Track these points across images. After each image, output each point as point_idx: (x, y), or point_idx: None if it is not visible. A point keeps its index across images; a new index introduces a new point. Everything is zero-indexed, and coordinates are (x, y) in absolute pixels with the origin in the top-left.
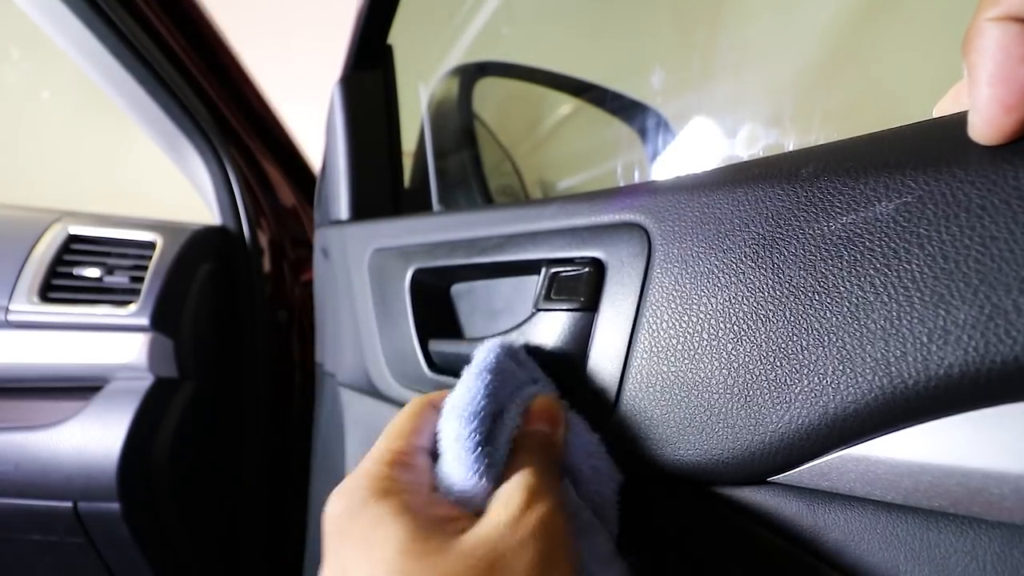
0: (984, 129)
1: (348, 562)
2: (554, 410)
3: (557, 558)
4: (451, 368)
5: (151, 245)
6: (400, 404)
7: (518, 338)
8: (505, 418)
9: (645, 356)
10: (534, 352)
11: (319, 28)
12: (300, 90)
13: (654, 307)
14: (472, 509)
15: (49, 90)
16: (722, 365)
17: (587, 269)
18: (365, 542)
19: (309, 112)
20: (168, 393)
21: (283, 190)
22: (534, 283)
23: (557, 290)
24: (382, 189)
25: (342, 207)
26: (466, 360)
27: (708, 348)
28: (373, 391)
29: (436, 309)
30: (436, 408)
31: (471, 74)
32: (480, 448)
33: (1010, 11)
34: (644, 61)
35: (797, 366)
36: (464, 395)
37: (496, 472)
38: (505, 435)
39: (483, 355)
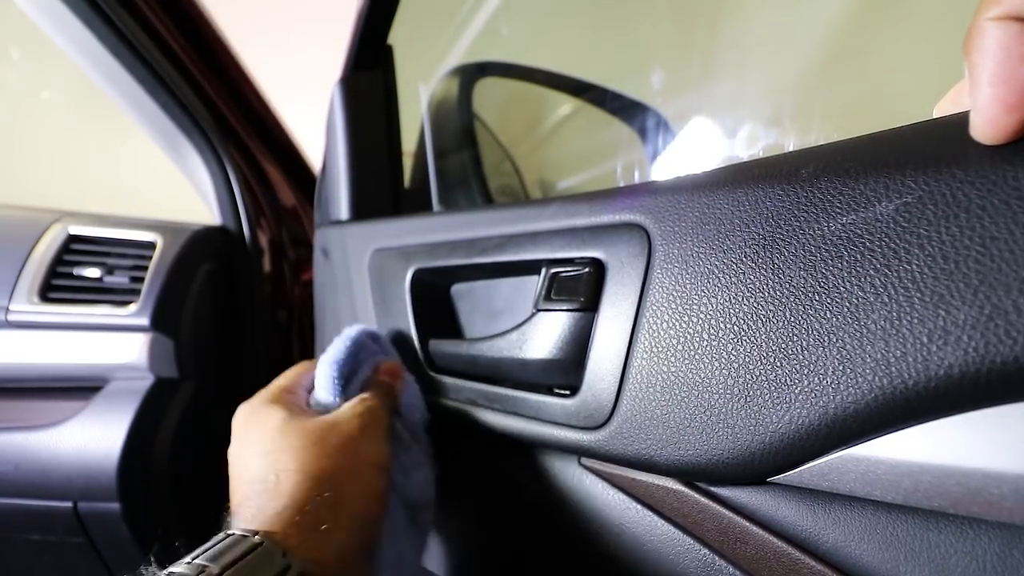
0: (986, 129)
1: (246, 438)
2: (396, 369)
3: (374, 431)
4: (451, 368)
5: (151, 245)
6: None
7: (519, 338)
8: (360, 371)
9: (645, 356)
10: (531, 351)
11: (319, 28)
12: (300, 90)
13: (654, 307)
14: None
15: (49, 90)
16: (722, 365)
17: (587, 269)
18: (258, 425)
19: (309, 112)
20: (168, 393)
21: (283, 190)
22: (534, 283)
23: (557, 290)
24: (382, 189)
25: (342, 207)
26: (466, 359)
27: (708, 348)
28: None
29: (436, 309)
30: (314, 366)
31: (471, 74)
32: (339, 382)
33: (1011, 10)
34: (644, 61)
35: (797, 366)
36: (333, 352)
37: (348, 397)
38: (358, 380)
39: (350, 332)
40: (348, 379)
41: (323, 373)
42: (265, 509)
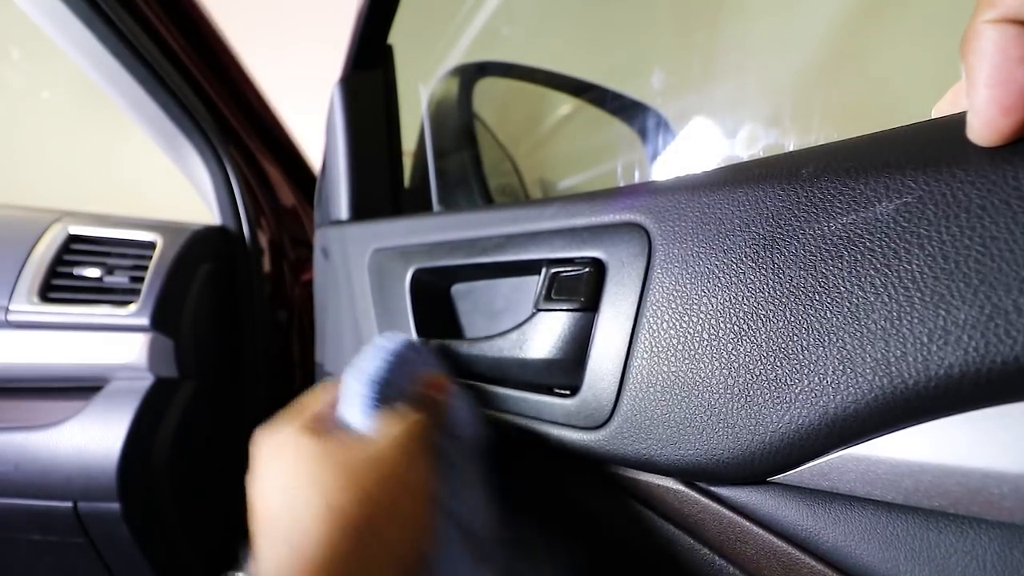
0: (983, 131)
1: (276, 471)
2: (442, 382)
3: (417, 458)
4: (451, 368)
5: (151, 245)
6: None
7: (519, 338)
8: (400, 387)
9: (645, 356)
10: (530, 352)
11: (319, 28)
12: (300, 90)
13: (654, 307)
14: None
15: (49, 90)
16: (722, 365)
17: (587, 269)
18: (287, 459)
19: (309, 112)
20: (168, 393)
21: (283, 190)
22: (534, 283)
23: (557, 290)
24: (382, 189)
25: (342, 207)
26: (466, 359)
27: (708, 348)
28: None
29: (436, 309)
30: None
31: (471, 74)
32: (375, 401)
33: (1007, 13)
34: (644, 61)
35: (797, 366)
36: (368, 365)
37: (386, 418)
38: (398, 398)
39: (388, 343)
40: (387, 398)
41: (354, 391)
42: (288, 559)
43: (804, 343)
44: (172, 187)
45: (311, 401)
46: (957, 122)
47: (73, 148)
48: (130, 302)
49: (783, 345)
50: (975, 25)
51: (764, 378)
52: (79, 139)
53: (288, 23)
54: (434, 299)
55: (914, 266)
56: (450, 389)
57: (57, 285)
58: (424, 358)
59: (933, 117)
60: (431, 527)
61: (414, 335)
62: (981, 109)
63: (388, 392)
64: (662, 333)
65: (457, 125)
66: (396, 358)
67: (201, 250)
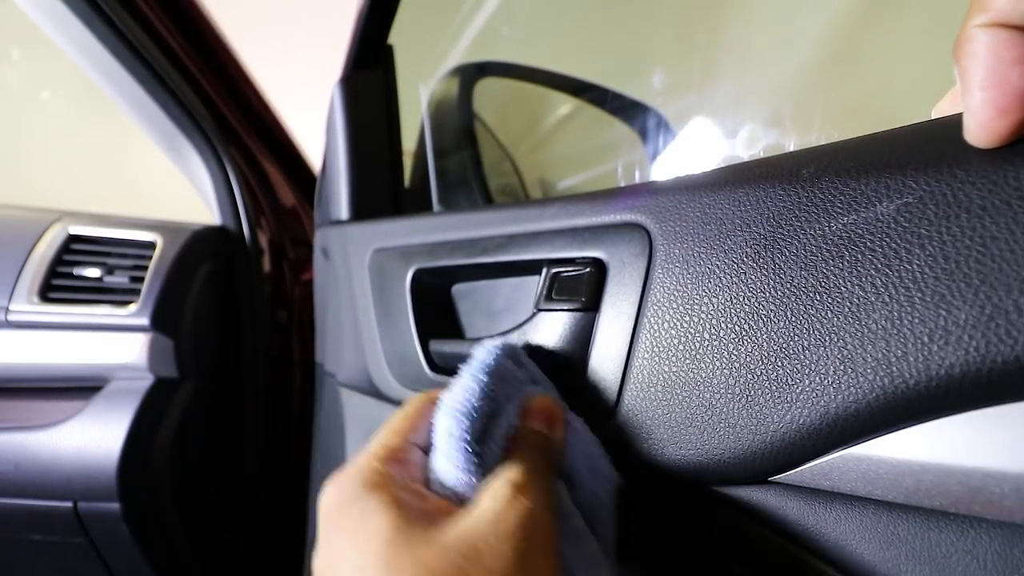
0: (979, 133)
1: (338, 551)
2: (553, 410)
3: (536, 554)
4: (452, 368)
5: (151, 245)
6: (400, 404)
7: (519, 339)
8: (501, 418)
9: (646, 356)
10: (535, 353)
11: (319, 28)
12: (300, 90)
13: (655, 307)
14: (460, 503)
15: (49, 90)
16: (723, 365)
17: (588, 269)
18: (355, 532)
19: (309, 112)
20: (168, 393)
21: (283, 190)
22: (535, 283)
23: (558, 290)
24: (382, 189)
25: (342, 207)
26: (467, 360)
27: (709, 348)
28: (373, 391)
29: (437, 309)
30: (435, 405)
31: (471, 74)
32: (471, 445)
33: (997, 17)
34: (645, 61)
35: (798, 366)
36: (460, 394)
37: (487, 469)
38: (500, 433)
39: (482, 355)
40: (484, 436)
41: (448, 432)
42: None
43: (805, 343)
44: (173, 187)
45: (390, 433)
46: (957, 122)
47: (73, 148)
48: (130, 302)
49: (784, 345)
50: (967, 29)
51: (765, 378)
52: (79, 139)
53: (288, 23)
54: (434, 299)
55: (915, 266)
56: (564, 417)
57: (57, 285)
58: (528, 371)
59: (933, 117)
60: None
61: (415, 336)
62: (977, 111)
63: (486, 429)
64: (663, 333)
65: (457, 125)
66: (493, 380)
67: (201, 250)
